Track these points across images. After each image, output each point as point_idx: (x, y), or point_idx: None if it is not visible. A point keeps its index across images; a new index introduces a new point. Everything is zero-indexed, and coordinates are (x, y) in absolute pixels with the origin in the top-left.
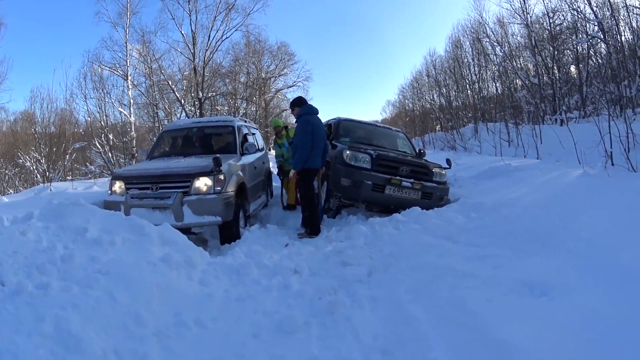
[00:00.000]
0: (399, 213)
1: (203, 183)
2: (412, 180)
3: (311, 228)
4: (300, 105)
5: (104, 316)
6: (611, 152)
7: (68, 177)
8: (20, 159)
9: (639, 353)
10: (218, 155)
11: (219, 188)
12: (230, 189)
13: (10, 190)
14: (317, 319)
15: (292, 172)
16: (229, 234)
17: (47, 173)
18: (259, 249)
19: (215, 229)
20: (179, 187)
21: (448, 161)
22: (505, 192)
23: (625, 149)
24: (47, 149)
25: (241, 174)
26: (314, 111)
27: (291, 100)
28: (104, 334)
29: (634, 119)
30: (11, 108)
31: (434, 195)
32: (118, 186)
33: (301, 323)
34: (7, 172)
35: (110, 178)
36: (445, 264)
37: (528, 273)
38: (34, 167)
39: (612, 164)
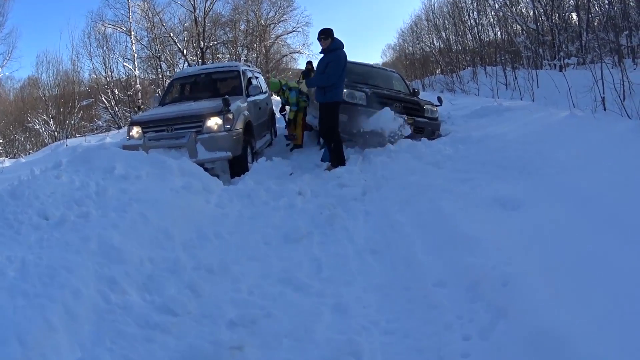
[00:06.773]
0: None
1: (214, 122)
2: (404, 115)
3: (338, 160)
4: (331, 37)
5: (139, 233)
6: (603, 98)
7: (77, 135)
8: (30, 122)
9: (570, 248)
10: (227, 96)
11: (229, 126)
12: (239, 127)
13: (22, 155)
14: (319, 229)
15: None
16: (238, 167)
17: (56, 133)
18: (267, 178)
19: (225, 164)
20: (192, 127)
21: (439, 99)
22: (493, 128)
23: (619, 96)
24: (55, 110)
25: (247, 113)
26: (342, 46)
27: (320, 29)
28: (140, 247)
29: (635, 69)
30: (16, 75)
31: (425, 130)
32: (135, 131)
33: (305, 232)
34: (17, 136)
35: (128, 124)
36: (428, 183)
37: (502, 192)
38: (43, 129)
39: (605, 109)
